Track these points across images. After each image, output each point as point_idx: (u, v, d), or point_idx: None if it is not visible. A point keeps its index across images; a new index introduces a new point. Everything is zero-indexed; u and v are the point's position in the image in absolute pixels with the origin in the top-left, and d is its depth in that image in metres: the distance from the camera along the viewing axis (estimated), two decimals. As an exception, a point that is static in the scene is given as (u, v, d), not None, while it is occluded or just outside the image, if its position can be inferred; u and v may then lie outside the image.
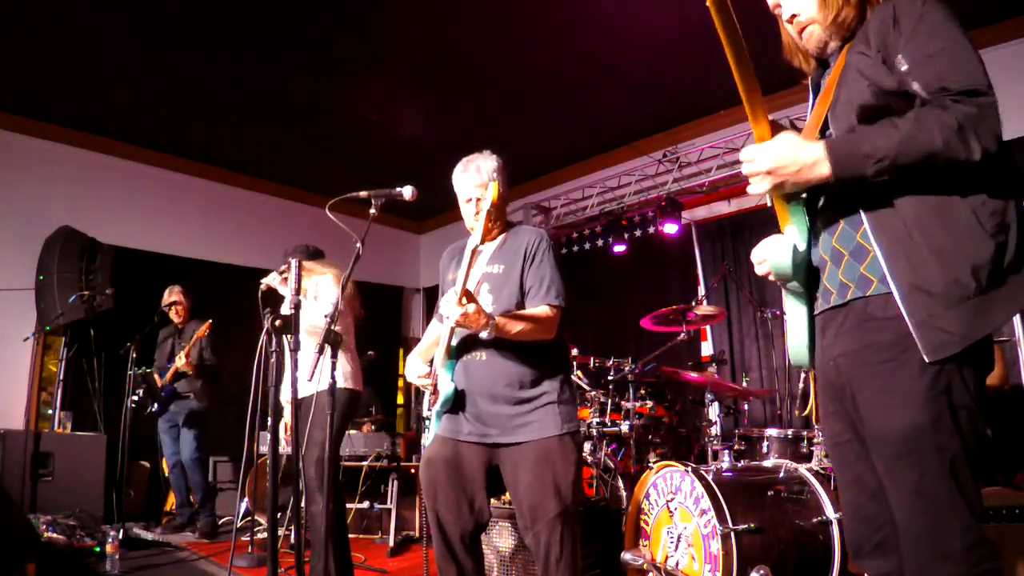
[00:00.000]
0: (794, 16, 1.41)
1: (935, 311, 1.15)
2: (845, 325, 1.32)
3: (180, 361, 4.65)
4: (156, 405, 4.78)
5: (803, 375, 3.29)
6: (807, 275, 1.41)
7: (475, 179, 2.21)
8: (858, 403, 1.29)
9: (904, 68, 1.21)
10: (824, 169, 1.22)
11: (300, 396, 3.24)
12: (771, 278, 1.44)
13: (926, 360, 1.15)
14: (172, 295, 4.95)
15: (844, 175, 1.21)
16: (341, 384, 3.04)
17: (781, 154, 1.24)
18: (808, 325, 1.45)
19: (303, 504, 2.84)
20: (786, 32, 1.49)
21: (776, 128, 1.29)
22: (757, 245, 1.46)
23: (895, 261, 1.20)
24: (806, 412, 2.94)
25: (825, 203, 1.35)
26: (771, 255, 1.40)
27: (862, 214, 1.26)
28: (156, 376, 4.84)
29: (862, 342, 1.26)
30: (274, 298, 3.13)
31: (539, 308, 2.11)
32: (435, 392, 2.21)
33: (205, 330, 4.69)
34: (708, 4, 1.10)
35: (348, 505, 4.71)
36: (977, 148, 1.13)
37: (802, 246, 1.36)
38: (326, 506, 2.56)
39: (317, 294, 3.21)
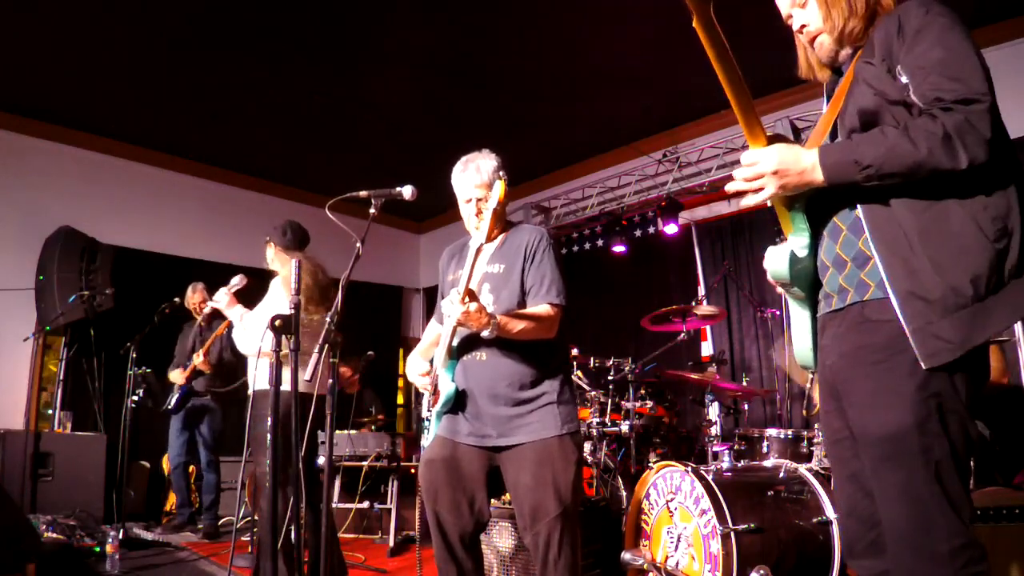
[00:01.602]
0: (804, 27, 1.44)
1: (932, 318, 1.15)
2: (842, 327, 1.33)
3: (198, 359, 4.60)
4: (173, 401, 4.71)
5: (810, 376, 3.31)
6: (809, 281, 1.42)
7: (475, 179, 2.21)
8: (850, 403, 1.31)
9: (904, 80, 1.22)
10: (818, 174, 1.24)
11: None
12: (772, 281, 1.46)
13: (922, 367, 1.16)
14: (197, 293, 4.89)
15: (835, 180, 1.24)
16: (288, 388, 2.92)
17: (783, 156, 1.26)
18: (811, 328, 1.47)
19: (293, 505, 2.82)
20: (800, 45, 1.53)
21: (772, 139, 1.30)
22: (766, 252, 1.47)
23: (892, 268, 1.21)
24: (814, 412, 2.95)
25: (828, 210, 1.36)
26: (770, 262, 1.42)
27: (862, 220, 1.27)
28: (179, 371, 4.80)
29: (857, 344, 1.28)
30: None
31: (540, 307, 2.11)
32: (435, 392, 2.21)
33: (224, 328, 4.64)
34: (695, 26, 1.10)
35: (348, 505, 4.73)
36: (964, 158, 1.13)
37: (802, 253, 1.37)
38: (327, 511, 2.53)
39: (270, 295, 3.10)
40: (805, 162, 1.25)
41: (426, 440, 2.28)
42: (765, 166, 1.26)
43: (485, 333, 1.99)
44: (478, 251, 2.03)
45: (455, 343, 2.18)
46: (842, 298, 1.33)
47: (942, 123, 1.14)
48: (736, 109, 1.21)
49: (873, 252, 1.25)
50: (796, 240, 1.37)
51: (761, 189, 1.29)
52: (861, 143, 1.21)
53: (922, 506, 1.17)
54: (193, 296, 4.92)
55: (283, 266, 3.24)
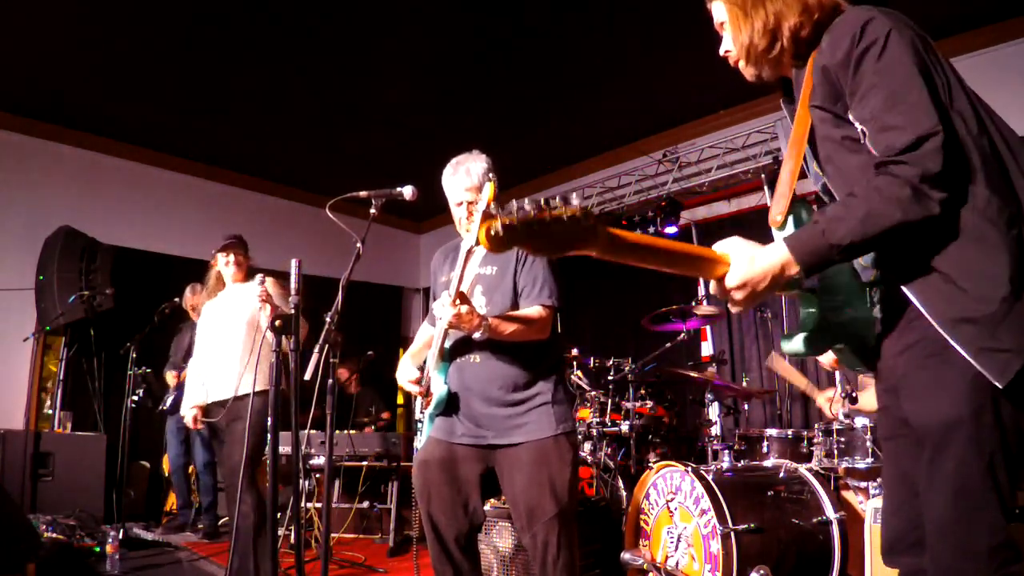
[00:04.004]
0: (727, 52, 1.47)
1: (985, 335, 1.14)
2: (896, 330, 1.33)
3: None
4: (169, 402, 4.68)
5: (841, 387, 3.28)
6: (845, 332, 1.42)
7: (465, 182, 2.19)
8: (907, 395, 1.30)
9: (859, 128, 1.24)
10: (793, 269, 1.22)
11: (227, 397, 3.21)
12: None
13: (999, 386, 1.14)
14: (196, 294, 4.79)
15: (814, 268, 1.23)
16: (262, 386, 2.95)
17: (745, 275, 1.25)
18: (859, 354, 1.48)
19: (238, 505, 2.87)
20: None
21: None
22: None
23: (932, 303, 1.19)
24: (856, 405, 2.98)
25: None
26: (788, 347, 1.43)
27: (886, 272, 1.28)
28: (174, 374, 4.77)
29: (912, 340, 1.27)
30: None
31: (532, 308, 2.11)
32: (427, 395, 2.21)
33: None
34: (597, 256, 1.15)
35: (348, 505, 4.73)
36: (935, 204, 1.14)
37: (813, 324, 1.36)
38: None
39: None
40: (773, 266, 1.23)
41: (418, 442, 2.28)
42: (737, 293, 1.27)
43: (477, 335, 1.99)
44: (469, 253, 2.03)
45: (447, 345, 2.18)
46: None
47: (905, 180, 1.14)
48: (691, 273, 1.23)
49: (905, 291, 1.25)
50: (806, 311, 1.36)
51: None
52: (831, 222, 1.19)
53: (969, 497, 1.16)
54: (192, 297, 4.89)
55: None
